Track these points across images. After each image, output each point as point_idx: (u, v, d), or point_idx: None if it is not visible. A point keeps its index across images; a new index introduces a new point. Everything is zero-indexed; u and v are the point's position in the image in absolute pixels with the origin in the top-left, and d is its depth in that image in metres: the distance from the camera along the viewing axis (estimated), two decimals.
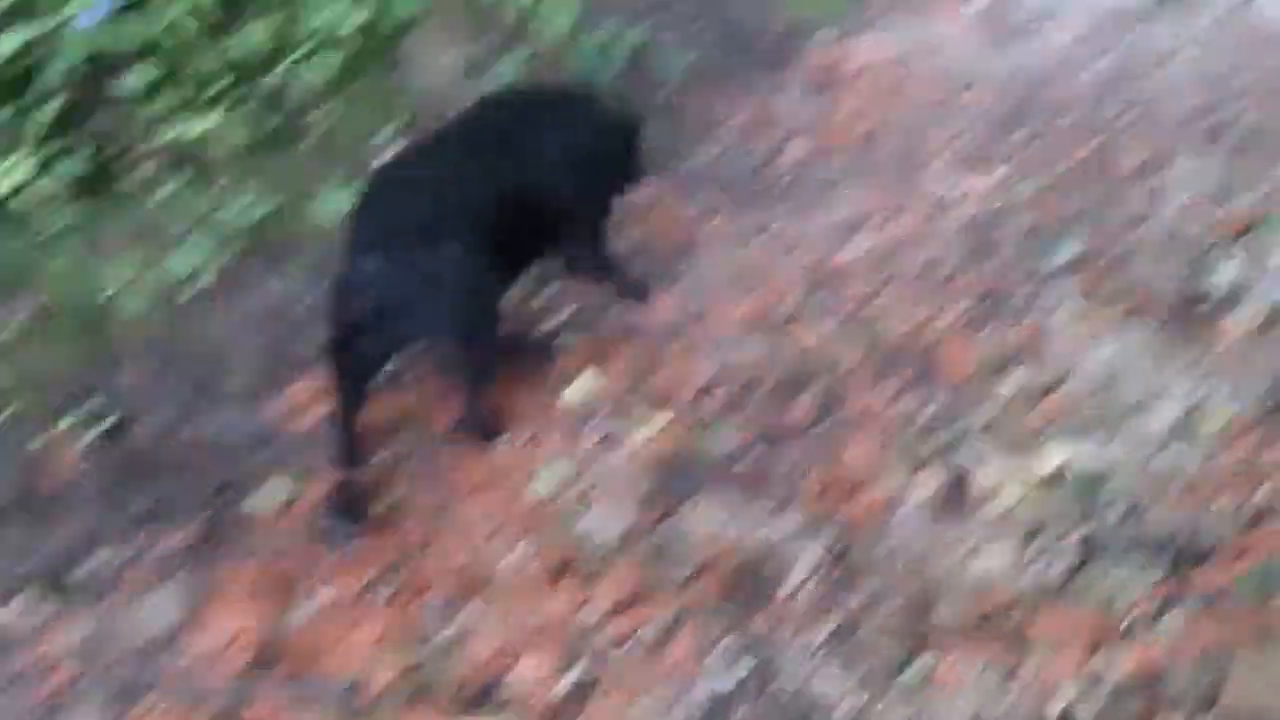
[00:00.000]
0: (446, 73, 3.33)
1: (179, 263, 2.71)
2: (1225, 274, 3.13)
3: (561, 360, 2.91)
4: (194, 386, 2.73)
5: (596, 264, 3.02)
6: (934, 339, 2.98)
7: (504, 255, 2.65)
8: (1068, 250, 3.28)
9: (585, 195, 2.91)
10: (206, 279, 2.79)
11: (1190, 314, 3.01)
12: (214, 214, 2.77)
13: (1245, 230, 3.35)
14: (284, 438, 2.69)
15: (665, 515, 2.49)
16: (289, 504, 2.48)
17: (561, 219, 2.86)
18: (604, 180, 2.97)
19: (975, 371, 2.87)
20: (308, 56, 2.92)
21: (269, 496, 2.48)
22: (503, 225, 2.60)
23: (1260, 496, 2.43)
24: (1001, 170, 3.74)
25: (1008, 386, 2.81)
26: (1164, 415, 2.70)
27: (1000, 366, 2.88)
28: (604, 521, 2.48)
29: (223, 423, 2.70)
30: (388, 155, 3.15)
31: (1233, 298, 3.06)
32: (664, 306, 3.14)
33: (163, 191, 2.71)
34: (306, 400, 2.77)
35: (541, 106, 3.02)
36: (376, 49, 3.17)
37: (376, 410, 2.74)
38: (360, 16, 2.96)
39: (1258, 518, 2.38)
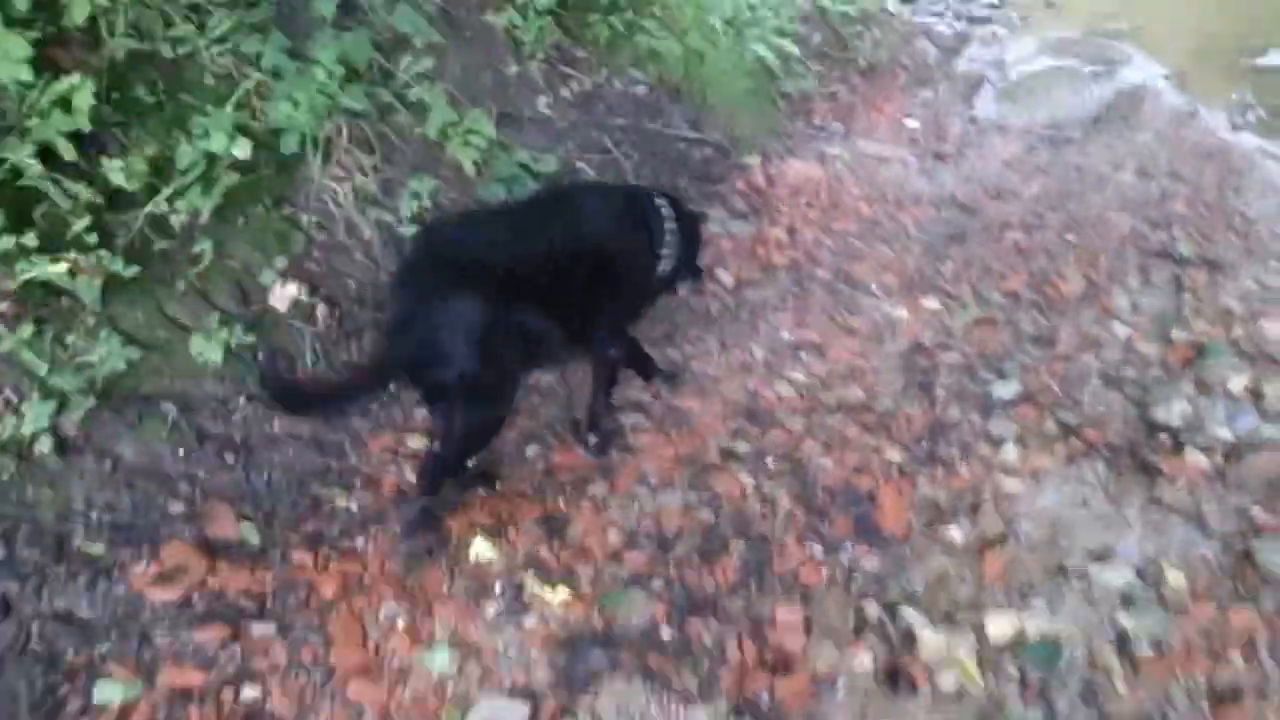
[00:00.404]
0: (346, 201, 3.13)
1: (28, 418, 2.41)
2: (1175, 407, 2.95)
3: (460, 518, 2.63)
4: (41, 557, 2.40)
5: (618, 355, 2.96)
6: (869, 486, 2.75)
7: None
8: (1009, 384, 3.09)
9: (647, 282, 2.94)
10: (60, 435, 2.48)
11: (1141, 452, 2.81)
12: (70, 363, 2.48)
13: (1192, 358, 3.20)
14: (142, 614, 2.36)
15: (570, 703, 2.20)
16: (130, 705, 2.14)
17: (612, 307, 2.84)
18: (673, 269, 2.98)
19: (914, 523, 2.63)
20: (186, 189, 2.69)
21: (109, 696, 2.14)
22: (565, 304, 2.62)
23: (1228, 672, 2.19)
24: (938, 296, 3.59)
25: (949, 540, 2.57)
26: (1119, 570, 2.46)
27: (941, 517, 2.65)
28: (499, 715, 2.17)
29: (72, 598, 2.37)
30: (277, 291, 2.92)
31: (1185, 432, 2.87)
32: (578, 454, 2.89)
33: (11, 340, 2.42)
34: (170, 568, 2.45)
35: (614, 196, 2.99)
36: (267, 179, 2.96)
37: (245, 580, 2.44)
38: (246, 146, 2.74)
39: (1226, 698, 2.13)
